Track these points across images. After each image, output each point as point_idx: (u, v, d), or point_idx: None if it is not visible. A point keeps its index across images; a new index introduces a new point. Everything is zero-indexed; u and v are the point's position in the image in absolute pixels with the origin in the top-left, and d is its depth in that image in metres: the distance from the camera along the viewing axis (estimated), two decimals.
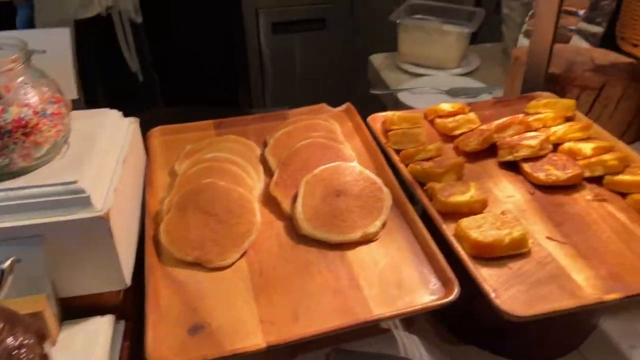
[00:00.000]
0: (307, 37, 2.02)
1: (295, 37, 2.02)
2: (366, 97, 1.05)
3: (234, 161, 0.54)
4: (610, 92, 0.78)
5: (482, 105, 0.70)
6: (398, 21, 1.07)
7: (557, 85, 0.81)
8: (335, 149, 0.57)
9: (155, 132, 0.64)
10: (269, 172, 0.58)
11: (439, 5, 1.14)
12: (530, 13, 0.95)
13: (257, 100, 2.12)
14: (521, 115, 0.62)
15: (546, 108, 0.65)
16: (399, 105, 0.98)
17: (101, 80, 1.62)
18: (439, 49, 1.07)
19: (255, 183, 0.54)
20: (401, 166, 0.57)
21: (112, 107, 0.55)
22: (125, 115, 0.56)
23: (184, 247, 0.48)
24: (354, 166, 0.55)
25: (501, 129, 0.60)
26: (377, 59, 1.18)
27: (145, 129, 0.62)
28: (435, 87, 1.00)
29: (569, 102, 0.66)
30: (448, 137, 0.64)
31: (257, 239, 0.50)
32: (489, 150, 0.60)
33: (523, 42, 0.99)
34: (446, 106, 0.66)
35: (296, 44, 2.02)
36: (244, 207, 0.50)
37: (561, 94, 0.81)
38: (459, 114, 0.65)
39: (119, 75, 1.61)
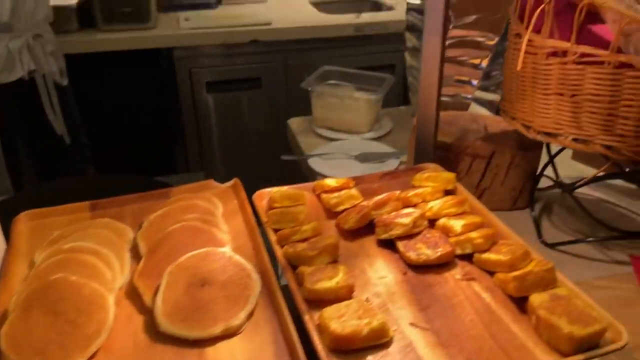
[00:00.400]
0: (241, 96, 2.04)
1: (231, 96, 2.03)
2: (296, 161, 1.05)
3: (94, 251, 0.52)
4: (499, 160, 0.81)
5: (370, 178, 0.71)
6: (309, 88, 1.09)
7: (450, 153, 0.83)
8: (208, 233, 0.56)
9: (22, 217, 0.60)
10: (139, 259, 0.55)
11: (351, 72, 1.17)
12: None
13: (193, 159, 2.10)
14: (398, 192, 0.63)
15: (428, 181, 0.67)
16: (308, 172, 0.99)
17: (25, 144, 1.57)
18: (351, 115, 1.10)
19: (116, 275, 0.52)
20: (276, 248, 0.56)
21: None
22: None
23: (24, 353, 0.44)
24: (223, 252, 0.53)
25: (379, 205, 0.61)
26: (294, 123, 1.19)
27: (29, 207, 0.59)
28: (345, 152, 1.02)
29: (449, 176, 0.67)
30: (334, 213, 0.64)
31: (112, 337, 0.47)
32: (370, 227, 0.61)
33: None
34: (331, 181, 0.66)
35: (231, 103, 2.04)
36: (96, 304, 0.47)
37: (455, 162, 0.83)
38: (344, 188, 0.66)
39: (45, 139, 1.57)
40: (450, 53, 0.95)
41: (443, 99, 1.00)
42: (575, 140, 0.65)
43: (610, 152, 0.63)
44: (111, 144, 1.99)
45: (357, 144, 1.06)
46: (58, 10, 1.71)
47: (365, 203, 0.62)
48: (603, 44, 0.60)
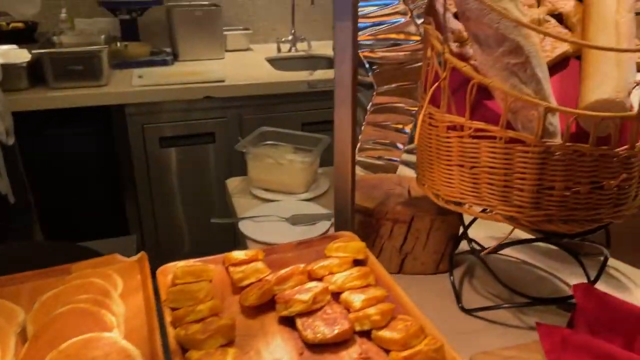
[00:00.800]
0: (194, 151, 2.04)
1: (184, 151, 2.03)
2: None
3: None
4: (419, 224, 0.82)
5: (284, 247, 0.71)
6: (244, 150, 1.10)
7: (372, 218, 0.84)
8: (96, 316, 0.54)
9: None
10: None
11: (288, 132, 1.19)
12: None
13: (146, 218, 2.07)
14: (302, 265, 0.63)
15: (338, 251, 0.66)
16: (240, 236, 0.98)
17: None
18: (286, 176, 1.10)
19: None
20: (169, 330, 0.55)
21: None
22: None
23: None
24: (109, 337, 0.51)
25: (282, 280, 0.60)
26: (233, 183, 1.19)
27: None
28: (278, 214, 1.02)
29: (359, 245, 0.67)
30: (240, 288, 0.63)
31: None
32: (274, 302, 0.59)
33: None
34: (239, 254, 0.65)
35: (185, 158, 2.03)
36: None
37: (377, 227, 0.84)
38: (253, 261, 0.65)
39: None
40: (375, 118, 0.97)
41: (374, 161, 1.02)
42: (479, 210, 0.67)
43: (512, 222, 0.65)
44: (59, 203, 1.95)
45: (291, 206, 1.06)
46: (7, 68, 1.70)
47: (269, 277, 0.62)
48: (497, 118, 0.62)
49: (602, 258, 0.76)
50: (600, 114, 0.58)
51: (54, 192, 1.94)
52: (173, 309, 0.57)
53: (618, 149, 0.59)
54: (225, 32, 2.45)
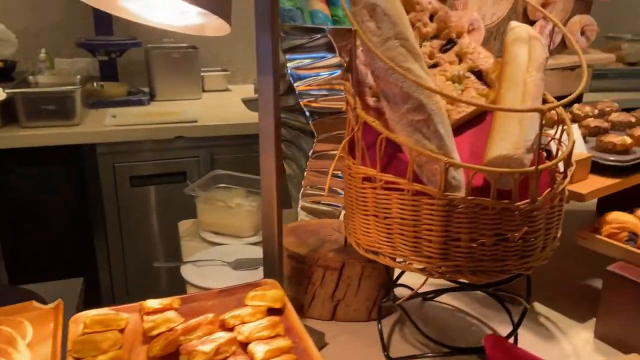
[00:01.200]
0: (165, 190, 2.05)
1: (154, 191, 2.04)
2: None
3: None
4: (350, 271, 0.83)
5: (205, 296, 0.71)
6: (192, 193, 1.11)
7: (304, 265, 0.85)
8: None
9: None
10: None
11: (240, 175, 1.21)
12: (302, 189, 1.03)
13: (116, 258, 2.06)
14: (211, 315, 0.63)
15: (255, 300, 0.67)
16: (181, 281, 0.98)
17: None
18: (234, 219, 1.11)
19: None
20: None
21: None
22: None
23: None
24: None
25: (189, 330, 0.60)
26: (184, 225, 1.20)
27: None
28: (222, 258, 1.02)
29: (277, 294, 0.68)
30: (150, 338, 0.63)
31: None
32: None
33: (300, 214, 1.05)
34: (153, 302, 0.66)
35: (156, 197, 2.04)
36: None
37: (309, 273, 0.85)
38: (168, 309, 0.65)
39: None
40: (316, 165, 1.00)
41: (318, 207, 1.04)
42: (393, 259, 0.68)
43: (423, 273, 0.66)
44: (27, 242, 1.94)
45: (237, 249, 1.07)
46: None
47: (182, 327, 0.62)
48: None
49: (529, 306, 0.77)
50: (498, 169, 0.60)
51: (22, 231, 1.93)
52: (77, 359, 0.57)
53: (519, 203, 0.61)
54: (204, 73, 2.51)
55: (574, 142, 0.67)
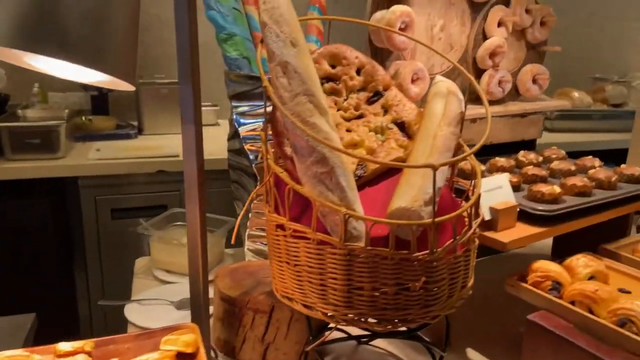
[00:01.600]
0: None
1: (135, 224, 2.07)
2: None
3: None
4: (279, 314, 0.84)
5: (124, 338, 0.73)
6: (145, 232, 1.14)
7: (235, 307, 0.86)
8: None
9: None
10: None
11: None
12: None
13: (95, 290, 2.08)
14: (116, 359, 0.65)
15: (167, 344, 0.69)
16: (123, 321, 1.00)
17: None
18: (185, 257, 1.13)
19: None
20: None
21: None
22: None
23: None
24: None
25: None
26: (140, 263, 1.22)
27: None
28: (168, 297, 1.04)
29: (189, 339, 0.70)
30: None
31: None
32: None
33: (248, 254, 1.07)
34: (65, 345, 0.68)
35: (135, 230, 2.07)
36: None
37: (239, 316, 0.86)
38: (79, 353, 0.67)
39: None
40: (259, 207, 1.02)
41: (263, 247, 1.06)
42: (304, 306, 0.70)
43: (331, 320, 0.68)
44: (7, 273, 1.97)
45: (185, 288, 1.08)
46: None
47: None
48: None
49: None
50: (395, 221, 0.63)
51: (3, 263, 1.96)
52: None
53: (417, 254, 0.63)
54: None
55: (479, 195, 0.69)
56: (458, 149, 0.77)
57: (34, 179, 1.93)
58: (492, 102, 1.21)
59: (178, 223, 1.23)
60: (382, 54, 1.09)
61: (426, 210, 0.64)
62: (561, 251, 1.16)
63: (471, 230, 0.68)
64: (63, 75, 0.63)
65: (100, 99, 2.49)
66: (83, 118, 2.32)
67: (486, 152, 1.24)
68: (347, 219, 0.62)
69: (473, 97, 1.25)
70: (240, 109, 0.98)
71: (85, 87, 2.41)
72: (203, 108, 2.59)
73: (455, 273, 0.68)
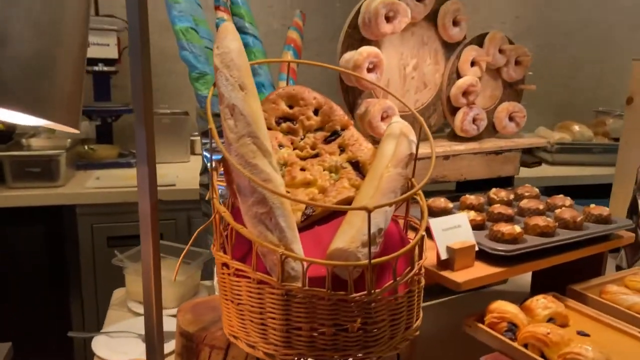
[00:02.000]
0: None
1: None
2: None
3: None
4: (235, 352, 0.84)
5: None
6: (120, 264, 1.16)
7: (192, 343, 0.87)
8: None
9: None
10: None
11: (174, 245, 1.26)
12: None
13: (90, 318, 2.10)
14: None
15: None
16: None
17: None
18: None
19: None
20: None
21: None
22: None
23: None
24: None
25: None
26: (117, 294, 1.24)
27: None
28: (138, 330, 1.05)
29: None
30: None
31: None
32: None
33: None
34: None
35: (130, 259, 2.10)
36: None
37: (196, 352, 0.86)
38: None
39: None
40: None
41: None
42: (247, 345, 0.70)
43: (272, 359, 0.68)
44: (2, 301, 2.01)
45: None
46: None
47: None
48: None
49: None
50: (332, 262, 0.63)
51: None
52: None
53: (354, 295, 0.63)
54: (194, 137, 2.62)
55: (422, 236, 0.69)
56: (410, 189, 0.78)
57: (32, 207, 1.97)
58: (468, 139, 1.22)
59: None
60: (353, 92, 1.11)
61: (363, 252, 0.64)
62: (539, 289, 1.14)
63: (413, 271, 0.68)
64: (18, 122, 0.66)
65: (104, 128, 2.56)
66: (86, 147, 2.39)
67: (464, 189, 1.24)
68: (284, 259, 0.63)
69: (451, 134, 1.26)
70: (208, 146, 1.00)
71: (89, 116, 2.48)
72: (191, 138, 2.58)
73: (397, 314, 0.68)
